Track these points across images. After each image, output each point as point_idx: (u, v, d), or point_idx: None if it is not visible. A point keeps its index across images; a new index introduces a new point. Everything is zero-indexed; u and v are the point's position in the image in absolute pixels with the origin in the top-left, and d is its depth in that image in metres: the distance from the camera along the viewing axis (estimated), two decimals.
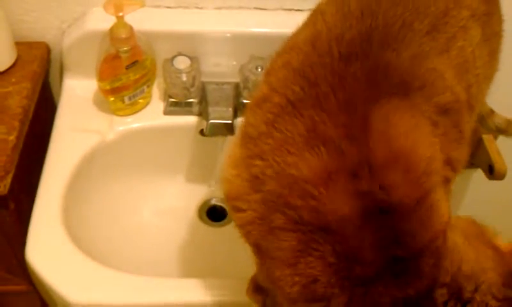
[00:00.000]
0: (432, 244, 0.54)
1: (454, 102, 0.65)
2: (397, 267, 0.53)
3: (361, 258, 0.53)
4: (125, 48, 0.89)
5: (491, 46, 0.74)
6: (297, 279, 0.56)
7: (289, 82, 0.63)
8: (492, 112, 1.02)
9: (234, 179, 0.63)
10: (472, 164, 1.23)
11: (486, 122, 1.02)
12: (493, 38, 0.75)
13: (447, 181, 0.64)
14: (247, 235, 0.63)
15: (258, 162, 0.61)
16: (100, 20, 0.91)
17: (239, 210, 0.62)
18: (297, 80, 0.63)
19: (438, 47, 0.65)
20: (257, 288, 0.78)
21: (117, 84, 0.92)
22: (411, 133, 0.58)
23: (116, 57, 0.90)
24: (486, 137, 1.13)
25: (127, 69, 0.91)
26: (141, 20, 0.91)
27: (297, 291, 0.57)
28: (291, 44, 0.69)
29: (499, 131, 1.04)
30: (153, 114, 0.97)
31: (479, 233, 0.59)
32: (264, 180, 0.60)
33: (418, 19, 0.65)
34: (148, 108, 0.98)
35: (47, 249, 0.80)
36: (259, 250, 0.62)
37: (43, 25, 0.98)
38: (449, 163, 0.65)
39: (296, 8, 0.96)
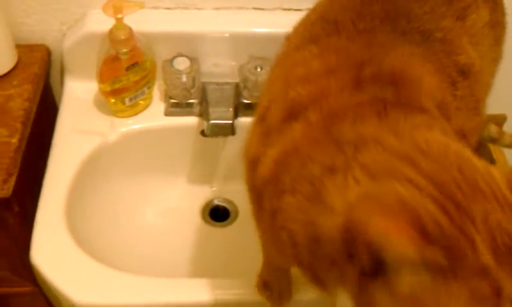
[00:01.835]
0: None
1: (471, 66, 0.67)
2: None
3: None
4: (124, 50, 0.89)
5: (496, 33, 0.77)
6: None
7: (308, 28, 0.68)
8: (486, 122, 1.05)
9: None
10: None
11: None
12: (497, 26, 0.77)
13: None
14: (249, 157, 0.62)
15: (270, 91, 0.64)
16: (100, 22, 0.91)
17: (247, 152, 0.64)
18: (318, 23, 0.67)
19: (455, 12, 0.67)
20: (265, 284, 0.79)
21: (117, 86, 0.92)
22: (426, 69, 0.60)
23: (116, 58, 0.90)
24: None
25: (127, 70, 0.91)
26: (140, 22, 0.91)
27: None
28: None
29: (492, 140, 1.08)
30: (154, 115, 0.98)
31: None
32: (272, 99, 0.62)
33: None
34: (149, 109, 0.99)
35: (52, 251, 0.81)
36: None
37: (43, 28, 0.98)
38: (463, 135, 0.65)
39: (294, 8, 0.96)
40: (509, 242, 0.42)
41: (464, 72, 0.66)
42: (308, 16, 0.72)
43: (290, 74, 0.62)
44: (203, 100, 0.98)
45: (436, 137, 0.51)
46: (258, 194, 0.61)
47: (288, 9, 0.97)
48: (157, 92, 1.01)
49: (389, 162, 0.47)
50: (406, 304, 0.43)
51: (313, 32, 0.67)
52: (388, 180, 0.46)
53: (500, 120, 1.20)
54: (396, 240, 0.40)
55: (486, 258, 0.42)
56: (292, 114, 0.57)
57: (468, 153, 0.49)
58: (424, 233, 0.41)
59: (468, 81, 0.66)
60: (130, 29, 0.89)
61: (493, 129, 1.07)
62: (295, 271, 0.77)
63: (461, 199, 0.44)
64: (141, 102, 0.97)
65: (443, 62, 0.64)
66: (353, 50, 0.61)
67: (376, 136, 0.50)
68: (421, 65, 0.61)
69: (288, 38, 0.71)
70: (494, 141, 1.08)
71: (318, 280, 0.56)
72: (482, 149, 1.16)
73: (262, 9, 0.98)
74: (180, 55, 0.96)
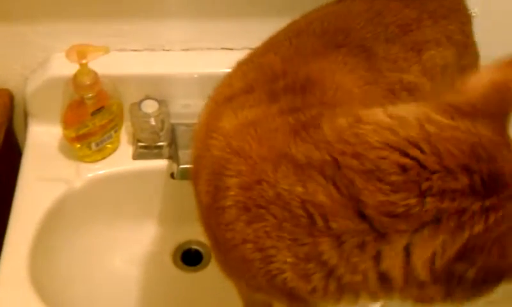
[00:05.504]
0: None
1: (419, 85, 0.67)
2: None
3: None
4: (89, 95, 0.86)
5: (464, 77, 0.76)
6: None
7: (255, 49, 0.73)
8: None
9: None
10: None
11: None
12: (468, 68, 0.77)
13: None
14: None
15: None
16: (64, 66, 0.88)
17: None
18: (263, 43, 0.72)
19: (408, 42, 0.68)
20: None
21: (83, 131, 0.89)
22: (344, 71, 0.63)
23: (81, 103, 0.87)
24: None
25: (92, 115, 0.88)
26: (106, 64, 0.89)
27: None
28: None
29: None
30: (122, 159, 0.95)
31: None
32: None
33: (390, 13, 0.69)
34: (117, 153, 0.96)
35: None
36: None
37: (5, 72, 0.95)
38: None
39: None
40: None
41: (410, 89, 0.67)
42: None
43: (219, 92, 0.67)
44: (173, 142, 0.95)
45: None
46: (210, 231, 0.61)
47: None
48: (124, 135, 0.98)
49: None
50: None
51: (254, 52, 0.72)
52: None
53: None
54: None
55: None
56: (209, 132, 0.60)
57: None
58: None
59: (413, 98, 0.66)
60: (95, 73, 0.86)
61: None
62: None
63: None
64: (108, 145, 0.94)
65: (382, 73, 0.65)
66: (272, 64, 0.63)
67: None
68: (340, 68, 0.63)
69: None
70: None
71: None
72: None
73: (231, 49, 0.96)
74: (148, 97, 0.93)
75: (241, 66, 0.70)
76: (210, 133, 0.59)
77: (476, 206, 0.43)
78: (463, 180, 0.43)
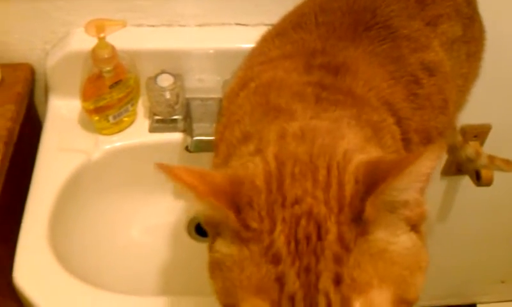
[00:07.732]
0: None
1: (439, 64, 0.68)
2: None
3: None
4: (107, 68, 0.89)
5: (469, 48, 0.77)
6: None
7: (280, 22, 0.75)
8: (463, 142, 1.05)
9: None
10: (459, 170, 1.24)
11: (457, 152, 1.05)
12: (472, 41, 0.78)
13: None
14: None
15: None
16: (84, 40, 0.91)
17: None
18: (288, 17, 0.74)
19: (425, 17, 0.69)
20: None
21: (101, 104, 0.92)
22: (373, 66, 0.63)
23: (99, 77, 0.90)
24: (472, 144, 1.15)
25: (110, 88, 0.91)
26: (124, 39, 0.91)
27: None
28: None
29: (470, 161, 1.07)
30: (138, 132, 0.98)
31: None
32: None
33: None
34: (134, 126, 0.98)
35: (35, 271, 0.80)
36: None
37: (26, 47, 0.98)
38: (427, 136, 0.66)
39: None
40: (310, 230, 0.44)
41: (431, 69, 0.67)
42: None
43: (252, 62, 0.69)
44: (188, 116, 0.98)
45: (321, 124, 0.53)
46: None
47: (271, 25, 0.96)
48: (141, 108, 1.00)
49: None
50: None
51: (281, 26, 0.73)
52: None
53: (485, 130, 1.21)
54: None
55: (280, 245, 0.44)
56: (241, 86, 0.64)
57: (338, 140, 0.50)
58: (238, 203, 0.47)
59: (434, 79, 0.67)
60: (113, 47, 0.89)
61: (470, 149, 1.07)
62: None
63: (288, 180, 0.47)
64: (125, 118, 0.97)
65: (406, 59, 0.65)
66: (308, 41, 0.65)
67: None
68: (371, 61, 0.63)
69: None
70: (472, 162, 1.08)
71: None
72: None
73: (245, 25, 0.98)
74: (164, 72, 0.95)
75: (271, 39, 0.72)
76: (242, 87, 0.65)
77: None
78: None
